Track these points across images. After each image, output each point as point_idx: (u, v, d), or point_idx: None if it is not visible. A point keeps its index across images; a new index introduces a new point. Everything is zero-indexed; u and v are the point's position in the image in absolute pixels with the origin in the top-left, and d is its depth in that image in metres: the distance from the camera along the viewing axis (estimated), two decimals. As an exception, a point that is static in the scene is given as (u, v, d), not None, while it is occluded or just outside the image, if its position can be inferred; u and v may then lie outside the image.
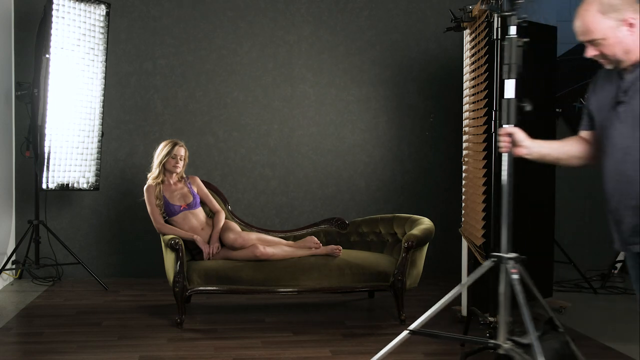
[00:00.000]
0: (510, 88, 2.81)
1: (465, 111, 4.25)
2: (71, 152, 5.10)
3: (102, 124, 5.29)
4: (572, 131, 6.26)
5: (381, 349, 3.69)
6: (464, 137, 4.26)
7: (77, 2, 5.01)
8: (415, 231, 4.31)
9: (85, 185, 5.24)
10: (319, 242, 4.44)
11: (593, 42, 2.27)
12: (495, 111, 3.54)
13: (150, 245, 5.27)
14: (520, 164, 4.47)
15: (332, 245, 4.40)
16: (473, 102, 4.11)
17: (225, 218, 4.57)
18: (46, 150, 4.92)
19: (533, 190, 4.54)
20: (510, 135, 2.78)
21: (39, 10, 5.11)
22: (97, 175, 5.29)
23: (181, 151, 4.47)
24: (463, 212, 4.26)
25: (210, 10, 5.65)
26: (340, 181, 5.82)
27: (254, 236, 4.39)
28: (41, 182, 4.96)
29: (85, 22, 5.08)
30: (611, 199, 2.29)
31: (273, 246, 4.34)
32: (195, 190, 4.54)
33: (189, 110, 5.63)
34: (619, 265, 5.90)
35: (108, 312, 4.45)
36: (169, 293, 4.39)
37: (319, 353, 3.58)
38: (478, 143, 3.97)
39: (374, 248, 4.70)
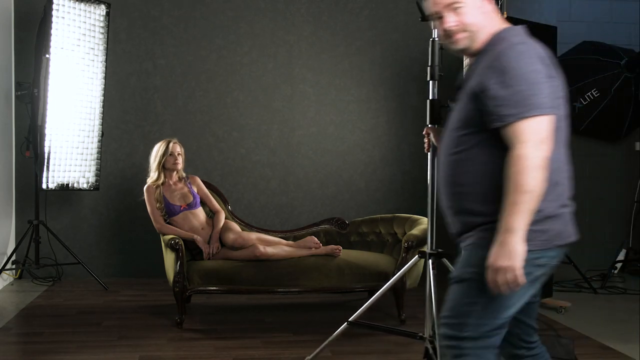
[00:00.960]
0: (434, 89, 2.86)
1: (465, 111, 4.25)
2: (71, 152, 5.10)
3: (102, 124, 5.29)
4: (572, 131, 6.26)
5: (381, 349, 3.70)
6: (464, 137, 4.26)
7: (77, 2, 5.01)
8: (415, 231, 4.30)
9: (85, 185, 5.25)
10: (319, 242, 4.44)
11: (452, 6, 2.02)
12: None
13: (150, 245, 5.27)
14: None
15: (332, 245, 4.40)
16: (473, 102, 4.11)
17: (225, 218, 4.57)
18: (46, 150, 4.92)
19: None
20: (429, 135, 2.91)
21: (39, 10, 5.11)
22: (97, 175, 5.29)
23: (177, 148, 4.47)
24: (463, 212, 4.25)
25: (210, 10, 5.65)
26: (340, 181, 5.82)
27: (254, 236, 4.39)
28: (41, 182, 4.97)
29: (85, 22, 5.08)
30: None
31: (273, 246, 4.34)
32: (195, 190, 4.54)
33: (189, 110, 5.63)
34: (619, 265, 5.91)
35: (108, 312, 4.45)
36: (169, 293, 4.39)
37: (318, 352, 3.58)
38: (478, 143, 3.97)
39: (374, 248, 4.70)
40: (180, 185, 4.50)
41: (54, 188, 5.05)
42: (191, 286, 4.09)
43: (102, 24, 5.19)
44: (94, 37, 5.15)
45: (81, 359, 3.53)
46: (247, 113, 5.69)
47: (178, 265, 4.03)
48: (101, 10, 5.17)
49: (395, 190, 5.87)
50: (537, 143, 1.86)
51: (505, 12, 3.59)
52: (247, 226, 4.78)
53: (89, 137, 5.20)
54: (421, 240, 4.26)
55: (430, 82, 2.88)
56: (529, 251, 1.89)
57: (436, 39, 2.87)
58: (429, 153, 3.06)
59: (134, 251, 5.55)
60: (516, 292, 1.93)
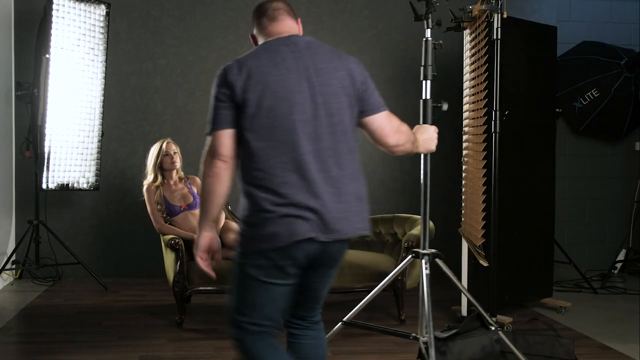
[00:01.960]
0: (427, 89, 2.87)
1: (465, 111, 4.25)
2: (71, 152, 5.11)
3: (102, 124, 5.29)
4: (572, 131, 6.27)
5: (381, 349, 3.70)
6: (464, 137, 4.26)
7: (77, 2, 5.01)
8: (415, 231, 4.30)
9: (85, 185, 5.25)
10: (319, 242, 4.43)
11: None
12: (495, 111, 3.54)
13: (150, 245, 5.27)
14: (520, 164, 4.49)
15: (332, 245, 4.39)
16: (473, 102, 4.11)
17: (225, 218, 4.57)
18: (46, 150, 4.92)
19: (533, 190, 4.54)
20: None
21: (39, 10, 5.11)
22: (97, 175, 5.29)
23: (171, 147, 4.47)
24: (463, 212, 4.26)
25: (210, 10, 5.65)
26: (340, 181, 5.81)
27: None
28: (41, 182, 4.97)
29: (85, 22, 5.08)
30: None
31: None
32: (195, 190, 4.54)
33: (189, 110, 5.63)
34: (619, 265, 5.91)
35: (108, 312, 4.45)
36: (169, 293, 4.39)
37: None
38: (478, 143, 3.97)
39: (373, 248, 4.70)
40: (180, 185, 4.50)
41: (54, 188, 5.05)
42: (191, 286, 4.08)
43: (102, 24, 5.19)
44: (94, 37, 5.15)
45: (81, 359, 3.53)
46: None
47: (178, 265, 4.03)
48: (101, 10, 5.17)
49: (395, 190, 5.87)
50: (205, 156, 2.21)
51: (505, 12, 3.58)
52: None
53: (89, 137, 5.20)
54: (421, 240, 4.26)
55: (424, 82, 2.90)
56: (239, 252, 2.19)
57: (429, 38, 2.86)
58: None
59: (134, 251, 5.55)
60: (249, 289, 2.17)
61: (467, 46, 4.21)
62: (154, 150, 4.46)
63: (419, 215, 4.68)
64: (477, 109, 4.00)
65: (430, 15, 2.86)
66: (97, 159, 5.29)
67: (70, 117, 5.07)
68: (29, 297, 4.84)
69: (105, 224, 5.58)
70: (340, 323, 3.23)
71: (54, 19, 4.85)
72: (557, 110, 5.28)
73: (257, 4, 2.36)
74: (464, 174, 4.26)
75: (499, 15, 3.56)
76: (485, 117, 3.88)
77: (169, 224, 4.37)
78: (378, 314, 4.48)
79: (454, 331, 2.97)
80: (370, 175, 5.86)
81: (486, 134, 3.83)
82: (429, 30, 2.88)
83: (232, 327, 2.23)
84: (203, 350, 3.67)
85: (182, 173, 4.54)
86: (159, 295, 4.93)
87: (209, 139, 2.22)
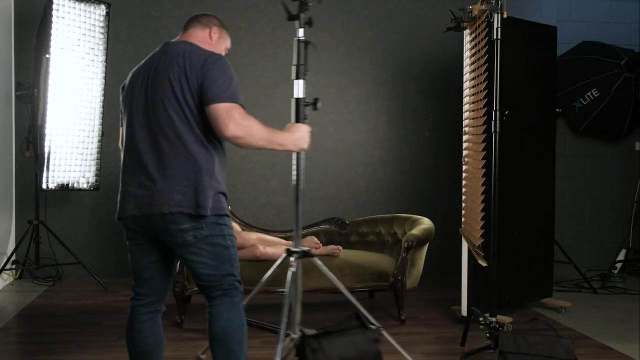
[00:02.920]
0: (299, 88, 2.88)
1: (465, 111, 4.25)
2: (71, 152, 5.11)
3: (102, 124, 5.29)
4: (572, 131, 6.27)
5: (381, 349, 3.69)
6: (464, 137, 4.26)
7: (77, 2, 5.02)
8: (415, 231, 4.31)
9: (85, 185, 5.25)
10: (319, 242, 4.43)
11: None
12: (495, 111, 3.54)
13: (150, 245, 5.27)
14: (520, 164, 4.49)
15: (332, 246, 4.40)
16: (473, 102, 4.11)
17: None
18: (46, 150, 4.92)
19: (533, 190, 4.54)
20: None
21: (39, 10, 5.11)
22: (97, 175, 5.29)
23: None
24: (463, 212, 4.26)
25: (210, 11, 5.57)
26: (340, 181, 5.82)
27: (254, 236, 4.39)
28: (41, 182, 4.97)
29: (85, 22, 5.08)
30: None
31: (273, 246, 4.34)
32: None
33: (189, 110, 5.62)
34: (619, 265, 5.91)
35: (108, 312, 4.45)
36: (169, 293, 4.38)
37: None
38: (478, 143, 3.97)
39: (374, 248, 4.70)
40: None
41: (54, 188, 5.05)
42: (191, 286, 4.08)
43: (102, 24, 5.19)
44: (94, 37, 5.15)
45: (81, 359, 3.53)
46: (247, 113, 5.67)
47: (178, 265, 4.03)
48: (101, 10, 5.17)
49: (395, 190, 5.87)
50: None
51: (505, 12, 3.58)
52: (247, 226, 4.77)
53: (89, 137, 5.21)
54: (421, 240, 4.26)
55: (296, 81, 2.90)
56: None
57: (301, 37, 2.87)
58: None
59: (134, 251, 5.55)
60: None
61: (467, 46, 4.21)
62: None
63: (419, 215, 4.70)
64: (477, 109, 4.00)
65: (302, 15, 2.85)
66: (97, 159, 5.29)
67: (70, 117, 5.07)
68: (29, 297, 4.84)
69: (105, 224, 5.58)
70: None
71: (54, 19, 4.85)
72: (557, 110, 5.29)
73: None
74: (464, 174, 4.26)
75: (499, 15, 3.55)
76: (485, 117, 3.88)
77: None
78: (378, 314, 4.48)
79: (324, 330, 3.00)
80: (370, 175, 5.86)
81: (486, 134, 3.82)
82: (301, 30, 2.88)
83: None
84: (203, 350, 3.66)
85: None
86: (159, 295, 4.92)
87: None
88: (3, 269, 5.04)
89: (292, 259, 3.02)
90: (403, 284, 4.17)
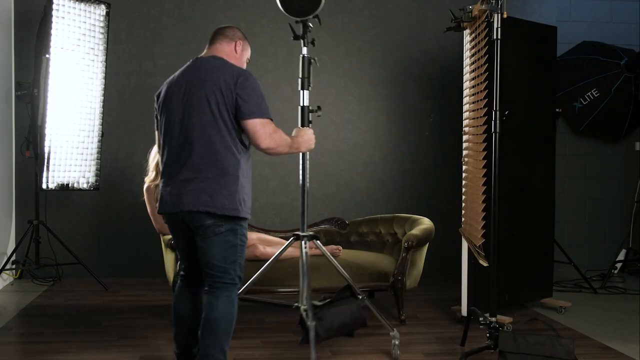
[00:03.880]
0: (305, 97, 3.35)
1: (465, 111, 4.25)
2: (71, 152, 5.11)
3: (102, 124, 5.29)
4: (572, 131, 6.27)
5: (381, 349, 3.70)
6: (464, 137, 4.26)
7: (77, 2, 5.02)
8: (415, 231, 4.31)
9: (85, 185, 5.25)
10: (340, 248, 4.44)
11: None
12: (495, 111, 3.54)
13: (150, 245, 5.27)
14: (520, 164, 4.49)
15: (332, 245, 4.40)
16: (473, 102, 4.11)
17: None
18: (46, 150, 4.92)
19: (533, 190, 4.54)
20: None
21: (39, 10, 5.11)
22: (97, 175, 5.29)
23: None
24: (463, 212, 4.26)
25: (210, 10, 5.65)
26: (340, 181, 5.82)
27: (254, 236, 4.39)
28: (41, 182, 4.96)
29: (85, 22, 5.08)
30: None
31: (273, 246, 4.33)
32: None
33: (189, 110, 5.62)
34: (619, 265, 5.91)
35: (108, 312, 4.45)
36: (169, 293, 4.39)
37: (319, 353, 3.57)
38: (478, 143, 3.97)
39: (374, 248, 4.70)
40: (180, 185, 4.50)
41: (54, 188, 5.05)
42: (191, 286, 4.08)
43: (102, 24, 5.19)
44: (94, 37, 5.15)
45: (81, 359, 3.53)
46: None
47: (178, 265, 4.03)
48: (101, 10, 5.17)
49: (395, 190, 5.87)
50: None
51: (505, 12, 3.58)
52: (247, 226, 4.77)
53: (89, 137, 5.20)
54: (421, 240, 4.26)
55: (302, 91, 3.35)
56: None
57: (306, 55, 3.31)
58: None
59: (134, 251, 5.55)
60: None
61: (467, 46, 4.21)
62: (155, 148, 4.46)
63: (419, 215, 4.70)
64: (477, 109, 4.00)
65: (306, 35, 3.31)
66: (97, 159, 5.29)
67: (70, 117, 5.07)
68: (29, 297, 4.84)
69: (105, 224, 5.58)
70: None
71: (54, 19, 4.85)
72: (557, 110, 5.29)
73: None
74: (464, 174, 4.26)
75: (499, 15, 3.55)
76: (485, 117, 3.88)
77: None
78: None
79: (328, 300, 3.48)
80: (370, 175, 5.86)
81: (486, 134, 3.82)
82: (305, 48, 3.32)
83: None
84: (203, 350, 3.66)
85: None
86: (159, 295, 4.93)
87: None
88: (3, 269, 5.04)
89: (303, 242, 3.38)
90: (403, 284, 4.17)
